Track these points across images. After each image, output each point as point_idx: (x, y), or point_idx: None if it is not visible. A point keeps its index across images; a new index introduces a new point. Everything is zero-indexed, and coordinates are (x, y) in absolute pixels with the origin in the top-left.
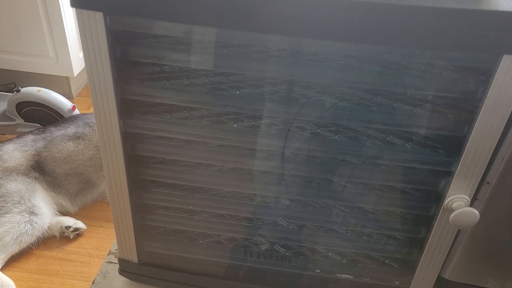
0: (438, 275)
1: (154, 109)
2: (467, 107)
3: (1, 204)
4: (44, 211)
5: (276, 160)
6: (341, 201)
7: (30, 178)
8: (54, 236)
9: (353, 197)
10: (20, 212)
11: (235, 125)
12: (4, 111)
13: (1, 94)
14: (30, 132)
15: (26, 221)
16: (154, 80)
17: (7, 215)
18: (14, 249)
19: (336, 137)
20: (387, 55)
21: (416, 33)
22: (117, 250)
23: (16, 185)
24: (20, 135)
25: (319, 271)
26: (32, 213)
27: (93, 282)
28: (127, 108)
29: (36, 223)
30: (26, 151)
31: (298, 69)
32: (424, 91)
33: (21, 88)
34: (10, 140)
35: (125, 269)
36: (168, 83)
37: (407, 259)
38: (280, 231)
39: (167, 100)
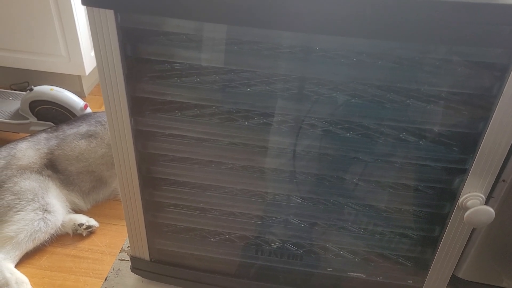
0: (452, 274)
1: (165, 107)
2: (482, 104)
3: (15, 202)
4: (57, 208)
5: (287, 158)
6: (353, 199)
7: (44, 176)
8: (67, 234)
9: (366, 195)
10: (33, 210)
11: (246, 123)
12: (18, 110)
13: (15, 93)
14: (43, 131)
15: (39, 219)
16: (164, 78)
17: (21, 212)
18: (28, 246)
19: (348, 134)
20: (400, 51)
21: (430, 28)
22: (129, 248)
23: (30, 183)
24: (33, 133)
25: (331, 269)
26: (45, 210)
27: (106, 279)
28: (138, 106)
29: (50, 220)
30: (39, 149)
31: (310, 66)
32: (438, 87)
33: (34, 87)
34: (23, 138)
35: (137, 266)
36: (178, 80)
37: (420, 258)
38: (291, 229)
39: (177, 97)
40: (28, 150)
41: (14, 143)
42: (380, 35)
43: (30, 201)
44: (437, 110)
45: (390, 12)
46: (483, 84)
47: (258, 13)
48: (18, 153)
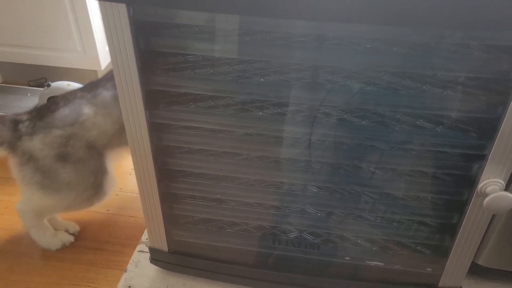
0: (472, 261)
1: (179, 99)
2: (500, 88)
3: (73, 178)
4: (107, 189)
5: (302, 147)
6: (369, 187)
7: (109, 151)
8: (87, 226)
9: (382, 183)
10: (88, 189)
11: (261, 113)
12: (36, 106)
13: (33, 89)
14: (102, 87)
15: (93, 194)
16: (178, 70)
17: (75, 190)
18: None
19: (364, 122)
20: (415, 36)
21: (446, 13)
22: (148, 240)
23: (95, 163)
24: (89, 89)
25: (348, 258)
26: (97, 191)
27: (126, 271)
28: (153, 99)
29: (98, 200)
30: (110, 114)
31: (323, 54)
32: (455, 73)
33: (51, 83)
34: (82, 97)
35: (156, 257)
36: (192, 72)
37: (439, 246)
38: (308, 218)
39: (191, 89)
40: (97, 117)
41: (77, 102)
42: (395, 21)
43: (90, 182)
44: (454, 95)
45: None
46: (501, 68)
47: (270, 2)
48: (87, 121)
